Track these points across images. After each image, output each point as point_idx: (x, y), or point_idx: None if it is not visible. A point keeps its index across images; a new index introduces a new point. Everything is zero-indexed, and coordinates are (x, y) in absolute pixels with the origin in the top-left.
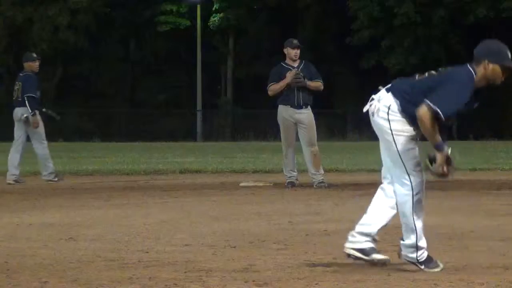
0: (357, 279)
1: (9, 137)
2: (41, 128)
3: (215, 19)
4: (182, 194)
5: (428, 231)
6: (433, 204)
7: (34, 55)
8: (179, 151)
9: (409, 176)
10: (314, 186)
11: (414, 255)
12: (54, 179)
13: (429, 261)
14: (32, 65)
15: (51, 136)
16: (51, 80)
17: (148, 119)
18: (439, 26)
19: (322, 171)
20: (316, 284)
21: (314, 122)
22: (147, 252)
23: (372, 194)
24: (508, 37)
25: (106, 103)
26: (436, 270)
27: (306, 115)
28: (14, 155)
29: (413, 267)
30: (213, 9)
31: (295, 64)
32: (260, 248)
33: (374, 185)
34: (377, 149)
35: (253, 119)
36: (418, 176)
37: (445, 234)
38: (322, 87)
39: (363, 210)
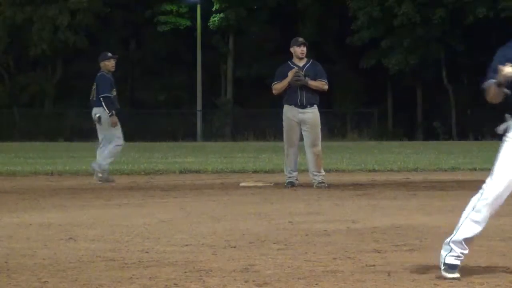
0: (357, 279)
1: (9, 137)
2: (117, 129)
3: (215, 19)
4: (182, 194)
5: (428, 231)
6: (434, 204)
7: (109, 54)
8: (179, 151)
9: (490, 179)
10: (314, 186)
11: (444, 253)
12: (103, 180)
13: (451, 267)
14: (108, 64)
15: (51, 136)
16: (50, 80)
17: (148, 119)
18: (439, 26)
19: (323, 172)
20: (316, 284)
21: (318, 122)
22: (147, 252)
23: (372, 194)
24: (507, 37)
25: None
26: (450, 276)
27: (310, 115)
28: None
29: (413, 267)
30: (213, 9)
31: (302, 63)
32: (260, 248)
33: (374, 185)
34: (376, 149)
35: (253, 119)
36: (496, 185)
37: (445, 234)
38: (326, 87)
39: (363, 210)
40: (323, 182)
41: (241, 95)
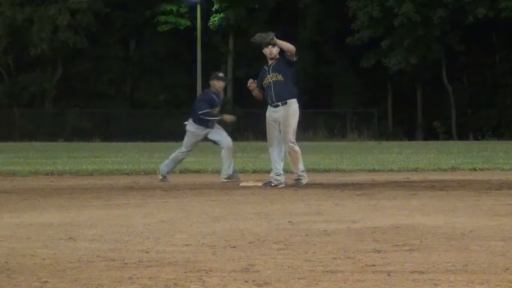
0: (357, 279)
1: (9, 137)
2: (191, 138)
3: (215, 19)
4: (182, 194)
5: (428, 231)
6: (433, 204)
7: (220, 74)
8: None
9: None
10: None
11: None
12: (162, 178)
13: None
14: (216, 84)
15: (51, 136)
16: (50, 80)
17: (148, 119)
18: (439, 26)
19: (300, 168)
20: (316, 284)
21: (290, 118)
22: (147, 252)
23: (372, 194)
24: (507, 37)
25: (106, 103)
26: None
27: (280, 112)
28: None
29: (413, 267)
30: (213, 9)
31: (270, 63)
32: (260, 248)
33: (374, 185)
34: (376, 149)
35: (253, 119)
36: None
37: (445, 234)
38: (294, 49)
39: (363, 210)
40: (299, 179)
41: (241, 95)
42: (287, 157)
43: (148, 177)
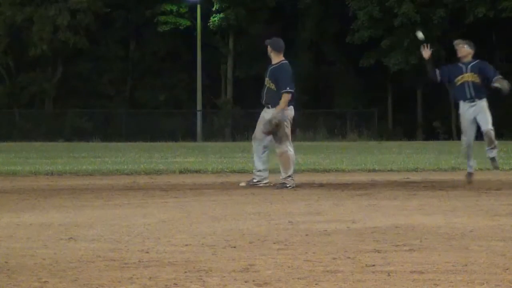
0: (357, 279)
1: (9, 137)
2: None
3: (215, 19)
4: (182, 194)
5: (428, 231)
6: (433, 204)
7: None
8: (179, 151)
9: None
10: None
11: None
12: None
13: None
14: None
15: (51, 136)
16: (50, 80)
17: (148, 119)
18: (439, 26)
19: (288, 173)
20: (316, 284)
21: (281, 121)
22: (147, 252)
23: (372, 194)
24: (507, 37)
25: (106, 103)
26: None
27: (270, 114)
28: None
29: (413, 267)
30: (213, 9)
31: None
32: (260, 248)
33: (374, 185)
34: (376, 149)
35: (253, 119)
36: None
37: (445, 234)
38: (286, 97)
39: (363, 210)
40: (284, 183)
41: (241, 95)
42: (278, 160)
43: (148, 177)
